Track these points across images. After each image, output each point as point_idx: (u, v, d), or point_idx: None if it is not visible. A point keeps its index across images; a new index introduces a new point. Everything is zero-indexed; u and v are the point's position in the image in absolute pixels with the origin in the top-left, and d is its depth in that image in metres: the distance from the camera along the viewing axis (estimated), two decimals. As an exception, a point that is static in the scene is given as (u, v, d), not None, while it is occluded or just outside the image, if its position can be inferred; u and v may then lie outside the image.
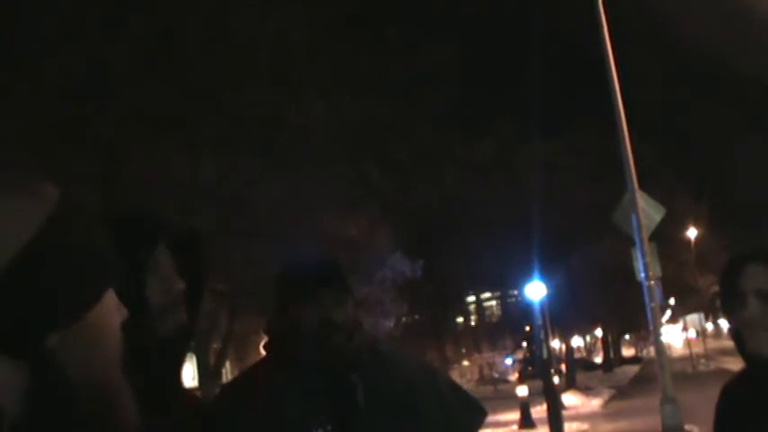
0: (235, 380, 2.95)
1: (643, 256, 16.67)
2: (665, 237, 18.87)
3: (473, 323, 71.89)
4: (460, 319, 64.28)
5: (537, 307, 26.22)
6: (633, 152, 17.18)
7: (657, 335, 17.83)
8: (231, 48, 17.94)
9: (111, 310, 1.22)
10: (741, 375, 2.35)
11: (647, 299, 17.00)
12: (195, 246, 2.14)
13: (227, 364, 31.45)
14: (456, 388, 2.91)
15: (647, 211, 17.03)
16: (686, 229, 46.83)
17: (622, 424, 21.38)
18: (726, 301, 2.27)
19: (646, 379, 39.86)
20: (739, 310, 2.19)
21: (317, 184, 19.89)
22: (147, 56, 15.97)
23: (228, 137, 17.97)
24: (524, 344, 52.03)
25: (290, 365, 2.59)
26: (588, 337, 78.25)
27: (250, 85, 17.77)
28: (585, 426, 22.60)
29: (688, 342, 57.69)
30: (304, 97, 19.20)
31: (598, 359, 67.33)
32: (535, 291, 25.79)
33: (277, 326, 2.69)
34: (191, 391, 2.51)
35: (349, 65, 21.68)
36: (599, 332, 63.87)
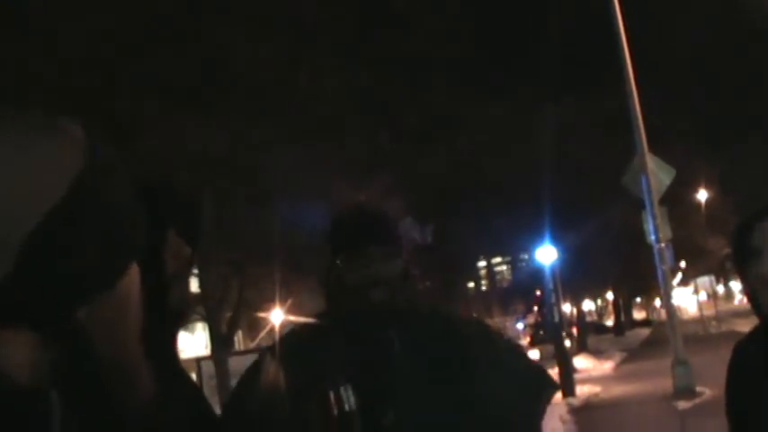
0: (281, 337, 2.86)
1: (653, 218, 16.69)
2: (675, 199, 18.83)
3: (484, 288, 71.97)
4: (471, 285, 64.25)
5: (548, 271, 26.26)
6: (643, 114, 17.16)
7: (668, 297, 17.91)
8: (244, 17, 17.88)
9: (135, 279, 1.18)
10: (754, 333, 2.35)
11: (657, 261, 17.04)
12: (193, 210, 2.11)
13: (239, 333, 31.56)
14: (522, 356, 2.81)
15: (658, 174, 17.01)
16: (696, 191, 46.66)
17: (634, 386, 21.45)
18: (740, 259, 2.26)
19: (657, 342, 39.91)
20: (754, 266, 2.19)
21: (328, 151, 19.87)
22: (160, 25, 15.92)
23: (241, 106, 17.92)
24: (535, 308, 52.06)
25: (329, 320, 2.58)
26: (599, 301, 78.29)
27: (262, 54, 17.71)
28: (598, 388, 22.70)
29: (699, 304, 57.71)
30: (316, 64, 19.15)
31: (609, 322, 67.39)
32: (546, 254, 25.83)
33: (324, 279, 2.65)
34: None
35: (361, 30, 21.59)
36: (610, 295, 63.88)
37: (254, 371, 2.58)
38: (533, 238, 28.15)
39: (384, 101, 22.77)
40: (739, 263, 2.25)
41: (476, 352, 2.53)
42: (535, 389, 2.63)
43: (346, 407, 2.33)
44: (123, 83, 15.74)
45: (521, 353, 2.85)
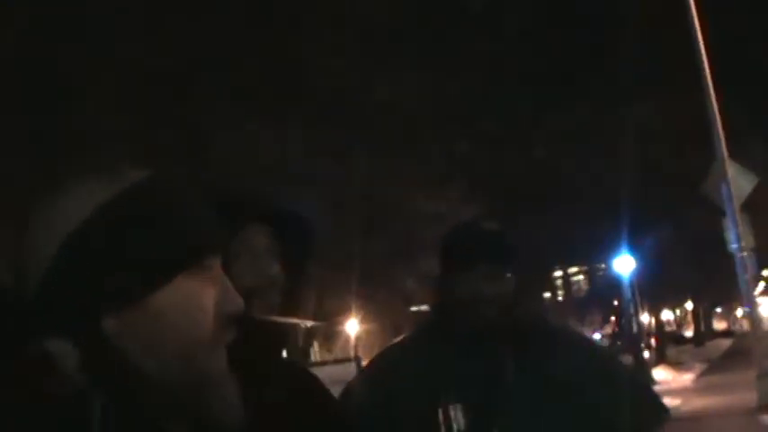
0: (386, 348, 2.88)
1: (735, 226, 16.33)
2: (758, 206, 18.42)
3: (560, 298, 71.37)
4: (548, 294, 63.81)
5: (626, 280, 25.93)
6: (722, 117, 16.81)
7: (751, 307, 17.50)
8: (317, 22, 17.97)
9: (195, 294, 1.17)
10: None
11: (739, 270, 16.67)
12: (299, 229, 2.07)
13: (315, 344, 31.72)
14: (638, 381, 2.84)
15: (738, 180, 16.65)
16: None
17: (716, 399, 21.02)
18: None
19: (738, 353, 39.14)
20: None
21: (404, 160, 19.88)
22: (233, 33, 16.07)
23: (315, 114, 18.02)
24: (612, 318, 51.51)
25: (437, 337, 2.56)
26: (678, 311, 77.18)
27: (336, 61, 17.79)
28: (678, 401, 22.27)
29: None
30: (390, 71, 19.18)
31: (688, 333, 66.40)
32: (623, 264, 25.51)
33: (434, 295, 2.68)
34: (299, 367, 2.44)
35: (434, 35, 21.59)
36: (689, 305, 62.95)
37: (363, 383, 2.60)
38: (610, 247, 27.87)
39: (459, 105, 22.71)
40: None
41: (588, 372, 2.53)
42: (646, 415, 2.64)
43: (455, 426, 2.34)
44: (198, 94, 15.90)
45: (636, 377, 2.84)
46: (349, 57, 18.21)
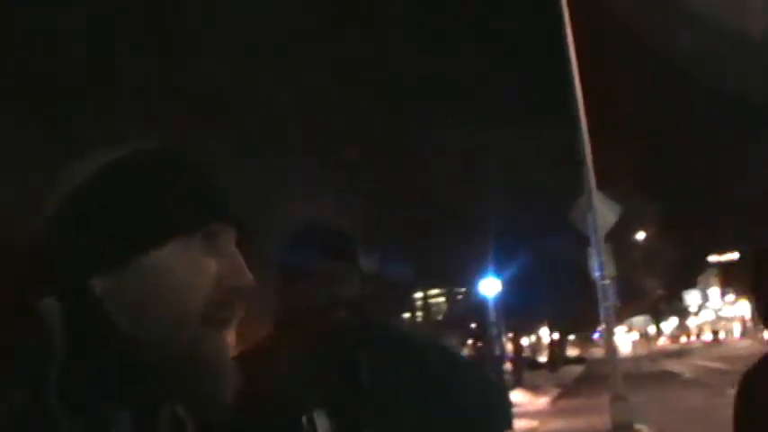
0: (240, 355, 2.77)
1: (598, 255, 16.83)
2: (614, 238, 19.04)
3: (419, 320, 71.97)
4: (407, 316, 64.28)
5: (490, 303, 26.38)
6: (592, 151, 17.34)
7: (611, 334, 18.04)
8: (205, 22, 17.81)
9: (193, 259, 1.13)
10: (763, 361, 2.36)
11: (600, 298, 17.17)
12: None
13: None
14: (493, 384, 2.78)
15: (604, 211, 17.18)
16: (636, 231, 47.35)
17: (571, 422, 21.55)
18: (756, 282, 2.28)
19: (590, 378, 40.28)
20: None
21: (282, 169, 19.80)
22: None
23: (198, 115, 17.78)
24: (470, 341, 52.26)
25: (290, 343, 2.44)
26: (533, 336, 78.85)
27: (220, 61, 17.66)
28: (535, 423, 22.75)
29: (633, 343, 58.51)
30: (277, 76, 19.13)
31: (543, 358, 67.86)
32: (489, 287, 25.95)
33: (281, 300, 2.51)
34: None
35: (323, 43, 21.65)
36: (545, 331, 64.40)
37: None
38: (471, 270, 28.28)
39: (334, 118, 22.77)
40: (755, 287, 2.27)
41: (444, 373, 2.47)
42: (501, 417, 2.60)
43: None
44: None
45: (487, 379, 2.82)
46: (235, 57, 18.10)
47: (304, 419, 2.24)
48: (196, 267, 1.13)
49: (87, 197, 1.13)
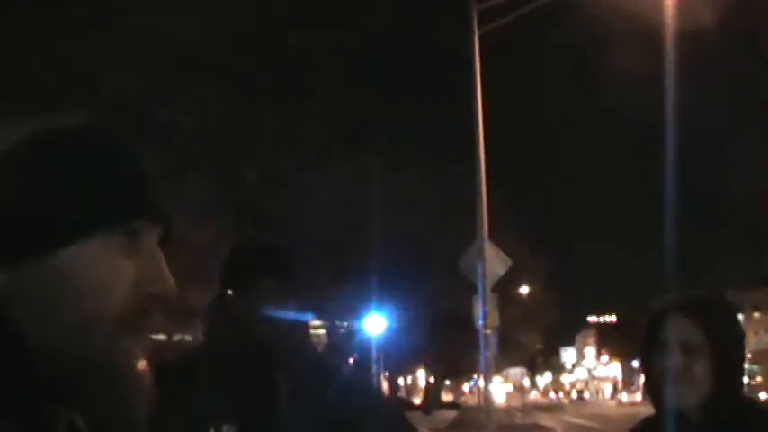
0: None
1: (484, 304, 17.01)
2: (498, 288, 19.31)
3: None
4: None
5: (373, 340, 26.38)
6: (488, 202, 17.57)
7: (488, 383, 18.22)
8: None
9: (109, 261, 0.99)
10: (647, 422, 2.41)
11: (482, 347, 17.34)
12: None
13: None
14: (400, 418, 2.82)
15: (494, 262, 17.37)
16: (520, 284, 48.05)
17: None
18: (645, 350, 2.33)
19: (463, 425, 40.48)
20: (659, 359, 2.26)
21: (175, 184, 19.56)
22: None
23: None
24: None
25: (209, 355, 2.47)
26: (410, 377, 79.11)
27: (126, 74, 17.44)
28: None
29: (507, 394, 59.20)
30: (180, 95, 18.97)
31: (417, 400, 68.08)
32: (373, 324, 25.95)
33: (210, 314, 2.54)
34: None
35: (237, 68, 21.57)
36: (421, 373, 64.67)
37: None
38: (357, 306, 28.27)
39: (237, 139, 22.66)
40: (646, 353, 2.32)
41: (356, 400, 2.48)
42: None
43: None
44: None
45: (396, 409, 2.87)
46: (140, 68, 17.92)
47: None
48: (113, 269, 1.00)
49: None
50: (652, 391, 2.33)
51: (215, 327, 2.51)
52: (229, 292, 2.46)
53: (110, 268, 0.99)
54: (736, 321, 2.34)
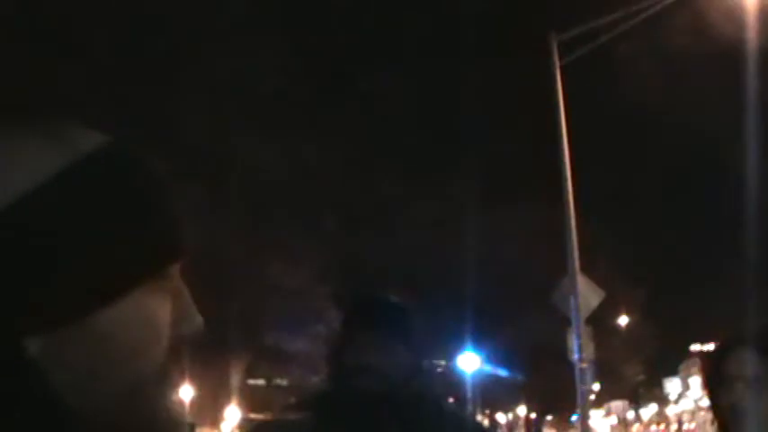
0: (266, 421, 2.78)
1: (578, 337, 16.78)
2: (597, 321, 19.03)
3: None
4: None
5: (468, 378, 26.22)
6: (578, 234, 17.38)
7: (586, 417, 17.92)
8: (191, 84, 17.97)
9: (152, 311, 0.90)
10: None
11: (578, 381, 17.09)
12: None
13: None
14: None
15: (586, 295, 17.16)
16: (618, 315, 47.27)
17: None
18: (713, 385, 2.27)
19: (565, 460, 39.93)
20: (726, 394, 2.20)
21: (266, 229, 19.81)
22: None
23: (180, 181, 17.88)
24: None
25: (324, 407, 2.48)
26: (510, 414, 78.20)
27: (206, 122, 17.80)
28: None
29: (612, 427, 58.13)
30: (262, 141, 19.26)
31: (519, 437, 67.34)
32: (467, 361, 25.79)
33: (327, 364, 2.59)
34: None
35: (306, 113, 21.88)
36: (521, 409, 63.90)
37: None
38: (452, 344, 28.16)
39: (326, 188, 22.91)
40: (712, 389, 2.26)
41: None
42: None
43: None
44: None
45: None
46: (229, 119, 18.24)
47: None
48: (154, 322, 0.90)
49: (26, 223, 0.82)
50: (721, 425, 2.27)
51: (331, 377, 2.55)
52: (341, 344, 2.53)
53: (150, 321, 0.89)
54: None
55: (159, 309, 0.90)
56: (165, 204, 0.91)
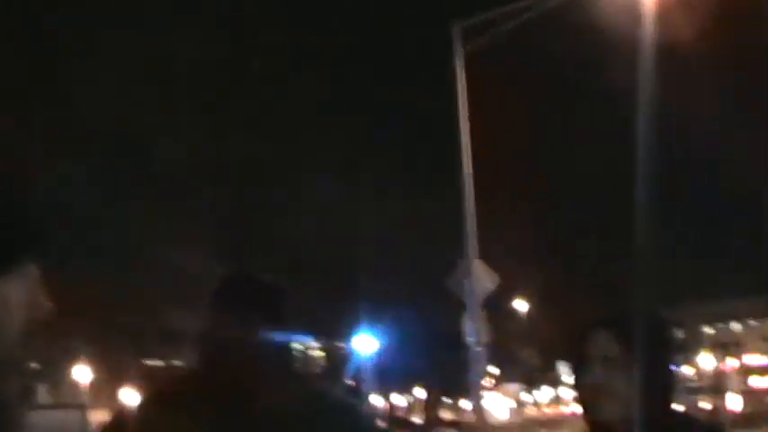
0: (147, 399, 2.78)
1: (473, 321, 17.01)
2: (494, 305, 19.34)
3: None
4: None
5: (364, 360, 26.33)
6: (477, 220, 17.59)
7: (479, 400, 18.20)
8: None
9: (9, 297, 1.02)
10: None
11: (472, 363, 17.34)
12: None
13: (42, 387, 30.37)
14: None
15: (481, 279, 17.38)
16: (516, 300, 48.04)
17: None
18: (574, 366, 2.35)
19: (461, 443, 40.44)
20: (585, 375, 2.28)
21: (171, 214, 19.61)
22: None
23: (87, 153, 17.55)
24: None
25: (195, 386, 2.51)
26: (408, 396, 78.83)
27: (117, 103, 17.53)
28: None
29: (511, 410, 59.10)
30: (166, 126, 19.04)
31: (417, 420, 67.85)
32: (363, 343, 25.90)
33: (200, 342, 2.59)
34: None
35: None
36: (420, 392, 64.51)
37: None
38: (352, 325, 28.28)
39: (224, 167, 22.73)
40: (573, 370, 2.33)
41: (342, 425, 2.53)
42: None
43: None
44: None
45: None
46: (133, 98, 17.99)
47: None
48: (8, 304, 1.03)
49: None
50: (582, 404, 2.35)
51: (204, 355, 2.53)
52: (217, 320, 2.51)
53: (5, 305, 1.00)
54: (661, 334, 2.35)
55: (13, 294, 1.01)
56: (18, 202, 1.06)
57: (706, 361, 45.49)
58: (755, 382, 36.63)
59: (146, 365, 28.89)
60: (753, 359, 39.82)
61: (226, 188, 23.90)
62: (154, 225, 19.66)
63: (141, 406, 2.66)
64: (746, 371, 37.46)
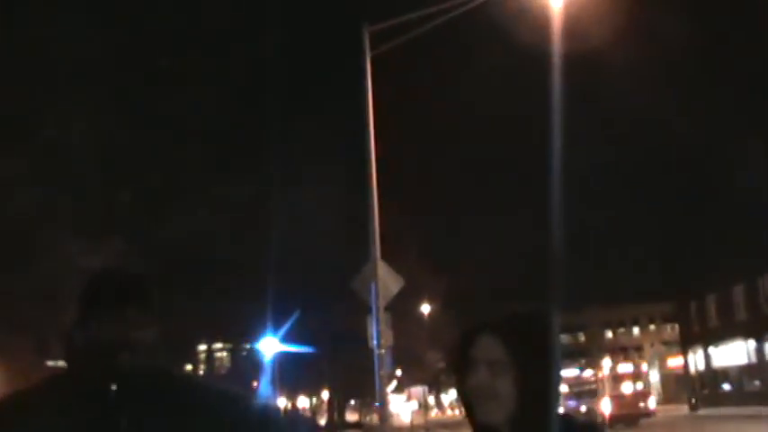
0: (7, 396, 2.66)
1: (377, 324, 17.03)
2: (400, 309, 19.39)
3: (201, 372, 70.68)
4: (190, 367, 62.99)
5: (268, 362, 26.26)
6: (381, 222, 17.63)
7: (383, 402, 18.25)
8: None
9: None
10: None
11: (376, 366, 17.36)
12: None
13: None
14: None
15: (387, 282, 17.42)
16: (421, 303, 48.34)
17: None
18: (457, 369, 2.37)
19: (364, 445, 40.59)
20: (470, 378, 2.30)
21: (63, 203, 19.20)
22: None
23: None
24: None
25: (64, 384, 2.46)
26: (314, 398, 78.74)
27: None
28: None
29: (411, 413, 59.38)
30: (62, 112, 18.65)
31: (322, 421, 67.85)
32: (268, 346, 25.82)
33: (69, 342, 2.52)
34: None
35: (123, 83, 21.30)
36: (325, 394, 64.48)
37: None
38: (257, 327, 28.15)
39: (130, 159, 22.33)
40: (459, 372, 2.35)
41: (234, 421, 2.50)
42: None
43: None
44: None
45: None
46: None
47: None
48: None
49: None
50: (466, 407, 2.37)
51: (73, 354, 2.49)
52: (91, 319, 2.44)
53: None
54: (545, 336, 2.38)
55: None
56: None
57: (606, 364, 47.28)
58: (626, 387, 40.10)
59: (49, 366, 28.28)
60: (624, 367, 43.63)
61: (130, 184, 23.49)
62: (51, 219, 19.22)
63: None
64: (619, 377, 41.13)
